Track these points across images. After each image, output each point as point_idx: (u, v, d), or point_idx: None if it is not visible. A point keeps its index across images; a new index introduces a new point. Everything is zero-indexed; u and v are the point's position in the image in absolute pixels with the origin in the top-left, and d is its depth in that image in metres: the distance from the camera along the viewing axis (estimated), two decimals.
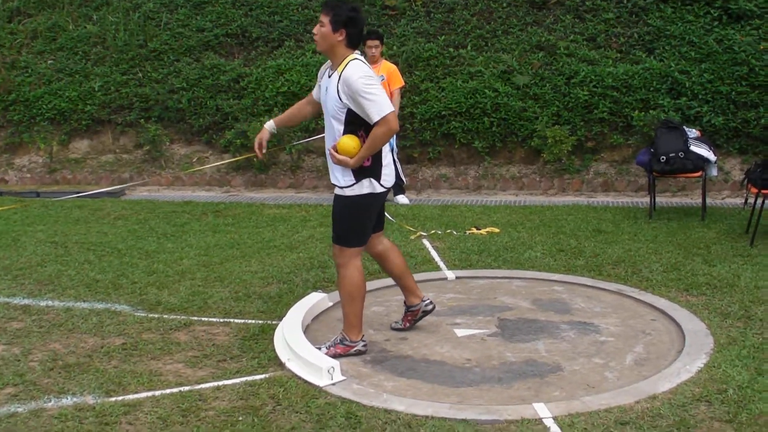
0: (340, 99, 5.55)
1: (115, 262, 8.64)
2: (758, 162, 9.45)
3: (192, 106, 14.00)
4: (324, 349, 5.82)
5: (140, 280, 7.90)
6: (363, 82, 5.45)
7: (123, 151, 14.42)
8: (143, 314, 6.88)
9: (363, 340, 5.97)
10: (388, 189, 5.86)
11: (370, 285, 7.41)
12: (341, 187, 5.72)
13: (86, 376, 5.55)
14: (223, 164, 13.65)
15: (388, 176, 5.80)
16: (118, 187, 13.31)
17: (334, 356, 5.74)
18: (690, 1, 13.24)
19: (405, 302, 6.38)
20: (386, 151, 5.79)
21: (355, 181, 5.67)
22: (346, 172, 5.67)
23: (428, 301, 6.36)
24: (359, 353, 5.93)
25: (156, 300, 7.24)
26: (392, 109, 5.52)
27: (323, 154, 13.15)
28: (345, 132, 5.62)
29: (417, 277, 7.72)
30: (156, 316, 6.83)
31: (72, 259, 8.78)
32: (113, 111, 14.41)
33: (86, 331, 6.50)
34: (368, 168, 5.67)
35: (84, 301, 7.26)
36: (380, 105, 5.46)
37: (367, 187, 5.69)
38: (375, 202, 5.81)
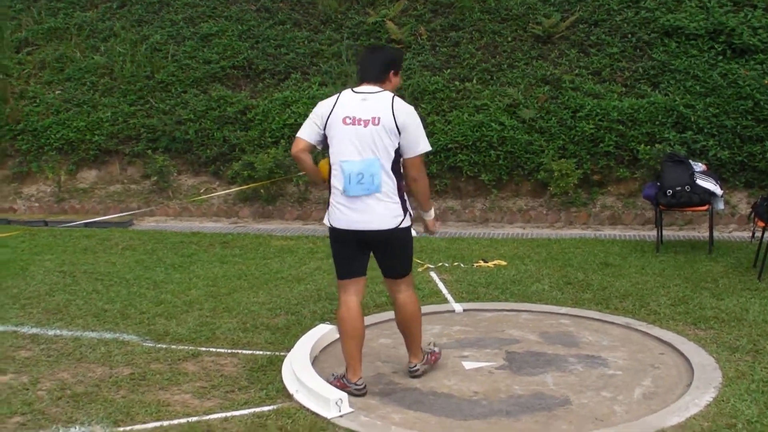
0: None
1: (123, 291, 8.66)
2: (765, 196, 9.48)
3: (199, 137, 14.05)
4: (331, 378, 5.84)
5: (148, 310, 7.92)
6: None
7: (130, 181, 14.46)
8: (151, 344, 6.89)
9: (357, 384, 5.82)
10: (340, 230, 5.81)
11: (376, 318, 7.48)
12: None
13: (94, 406, 5.56)
14: (230, 191, 13.69)
15: (332, 217, 5.85)
16: (126, 213, 13.35)
17: (337, 387, 5.73)
18: (694, 35, 13.30)
19: None
20: (336, 191, 5.79)
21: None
22: None
23: (414, 367, 6.15)
24: (351, 395, 5.69)
25: (164, 330, 7.26)
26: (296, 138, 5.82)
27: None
28: None
29: (424, 309, 7.72)
30: (164, 346, 6.84)
31: (80, 288, 8.80)
32: (121, 141, 14.46)
33: (94, 360, 6.51)
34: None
35: (92, 331, 7.27)
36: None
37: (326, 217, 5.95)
38: (333, 236, 5.94)
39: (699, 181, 10.21)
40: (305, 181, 13.33)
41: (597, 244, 10.90)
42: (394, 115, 5.68)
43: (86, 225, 12.71)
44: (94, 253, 10.67)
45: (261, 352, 6.65)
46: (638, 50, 13.58)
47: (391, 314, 7.57)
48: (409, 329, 6.10)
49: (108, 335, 7.14)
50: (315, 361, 6.39)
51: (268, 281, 9.05)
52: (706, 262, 9.68)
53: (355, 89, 5.86)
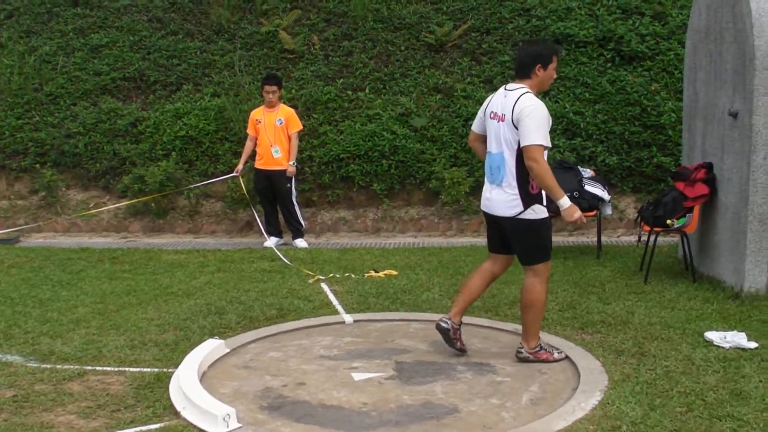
0: None
1: (7, 311, 8.43)
2: (650, 200, 9.66)
3: (89, 150, 13.79)
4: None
5: (33, 329, 7.73)
6: None
7: (17, 197, 14.13)
8: (35, 365, 6.72)
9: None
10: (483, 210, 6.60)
11: (266, 331, 7.46)
12: None
13: None
14: (120, 205, 13.47)
15: None
16: (11, 229, 13.06)
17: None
18: (584, 43, 13.53)
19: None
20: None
21: None
22: None
23: (520, 348, 6.66)
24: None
25: (49, 350, 7.08)
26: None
27: (222, 199, 13.14)
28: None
29: (315, 321, 7.82)
30: (49, 366, 6.68)
31: None
32: (7, 156, 14.11)
33: None
34: None
35: None
36: None
37: None
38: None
39: (587, 187, 10.39)
40: (196, 193, 13.20)
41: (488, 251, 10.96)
42: (513, 110, 6.17)
43: None
44: None
45: (148, 370, 6.54)
46: None
47: (281, 327, 7.59)
48: (523, 314, 6.61)
49: None
50: (203, 378, 6.31)
51: (158, 296, 8.92)
52: (594, 266, 9.84)
53: (507, 86, 6.44)
